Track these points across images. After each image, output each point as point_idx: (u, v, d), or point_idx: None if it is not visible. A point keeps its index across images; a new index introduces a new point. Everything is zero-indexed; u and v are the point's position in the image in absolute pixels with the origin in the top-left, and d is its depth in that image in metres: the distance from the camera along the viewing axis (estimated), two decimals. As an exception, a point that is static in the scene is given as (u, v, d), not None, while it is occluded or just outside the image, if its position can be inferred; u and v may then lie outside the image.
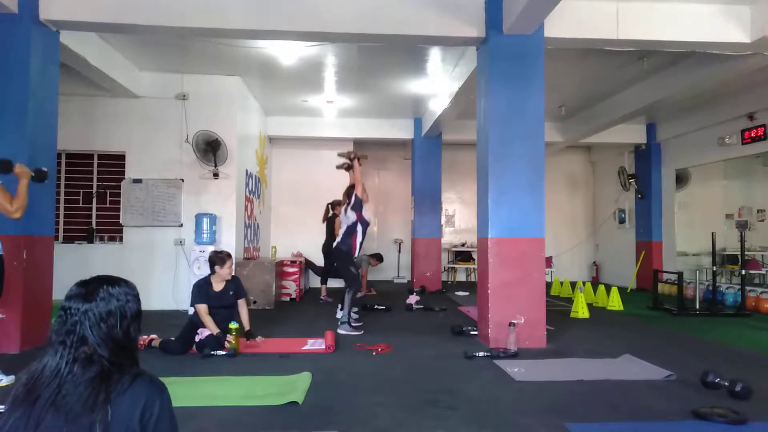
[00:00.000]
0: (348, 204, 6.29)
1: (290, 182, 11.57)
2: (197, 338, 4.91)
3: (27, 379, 1.33)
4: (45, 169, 4.35)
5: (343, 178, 7.26)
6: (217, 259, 5.11)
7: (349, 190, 6.41)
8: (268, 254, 10.31)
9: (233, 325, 4.84)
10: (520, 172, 5.38)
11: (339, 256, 6.33)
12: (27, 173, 4.02)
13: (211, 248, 7.45)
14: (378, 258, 10.46)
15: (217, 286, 5.12)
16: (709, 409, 3.22)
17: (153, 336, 5.10)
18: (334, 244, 6.40)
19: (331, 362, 4.58)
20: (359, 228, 6.22)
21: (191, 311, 5.23)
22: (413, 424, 3.10)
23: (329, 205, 9.09)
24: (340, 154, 6.64)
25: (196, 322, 4.99)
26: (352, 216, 6.22)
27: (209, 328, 4.88)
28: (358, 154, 6.55)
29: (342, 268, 6.32)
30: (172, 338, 4.98)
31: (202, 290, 5.05)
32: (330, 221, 8.97)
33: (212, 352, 4.72)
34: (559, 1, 4.73)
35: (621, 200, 12.30)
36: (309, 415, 3.22)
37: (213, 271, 5.10)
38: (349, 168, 6.56)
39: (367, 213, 6.36)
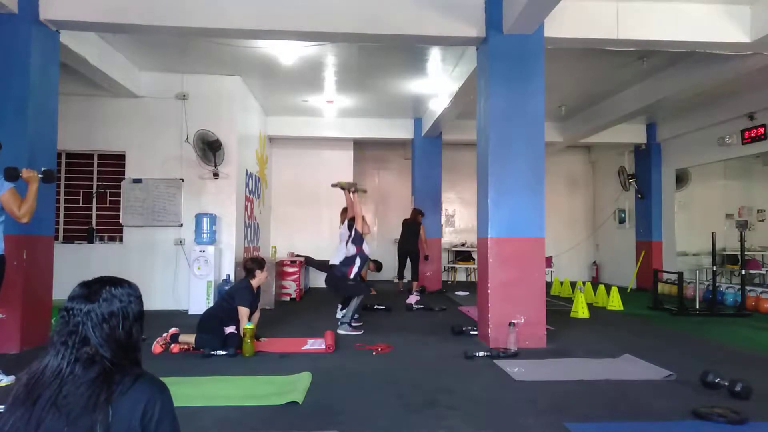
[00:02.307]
0: (349, 237, 6.36)
1: (290, 182, 11.57)
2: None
3: (28, 379, 1.33)
4: (52, 169, 4.32)
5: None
6: (258, 263, 5.31)
7: (350, 222, 6.44)
8: (268, 254, 10.30)
9: (249, 327, 4.88)
10: (520, 171, 5.38)
11: (334, 281, 6.37)
12: (35, 177, 4.01)
13: (211, 248, 7.48)
14: (377, 266, 10.53)
15: (255, 290, 5.33)
16: (709, 409, 3.22)
17: (174, 330, 5.03)
18: (336, 261, 6.40)
19: (331, 362, 4.58)
20: (358, 261, 6.29)
21: (194, 306, 5.21)
22: (413, 424, 3.10)
23: (414, 210, 10.33)
24: (333, 186, 6.70)
25: (222, 318, 5.03)
26: (352, 249, 6.30)
27: (242, 330, 4.96)
28: (358, 187, 6.61)
29: (342, 288, 6.35)
30: (203, 335, 4.95)
31: (249, 293, 5.20)
32: (412, 226, 10.04)
33: (212, 352, 4.73)
34: (559, 1, 4.73)
35: (621, 200, 12.30)
36: (309, 415, 3.22)
37: (253, 276, 5.26)
38: (344, 188, 6.63)
39: (367, 247, 6.44)
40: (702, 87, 7.50)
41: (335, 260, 6.42)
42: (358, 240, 6.30)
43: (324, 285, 11.00)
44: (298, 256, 9.92)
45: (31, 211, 3.93)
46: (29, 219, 3.95)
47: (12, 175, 3.90)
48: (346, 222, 6.61)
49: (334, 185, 6.80)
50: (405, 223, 10.24)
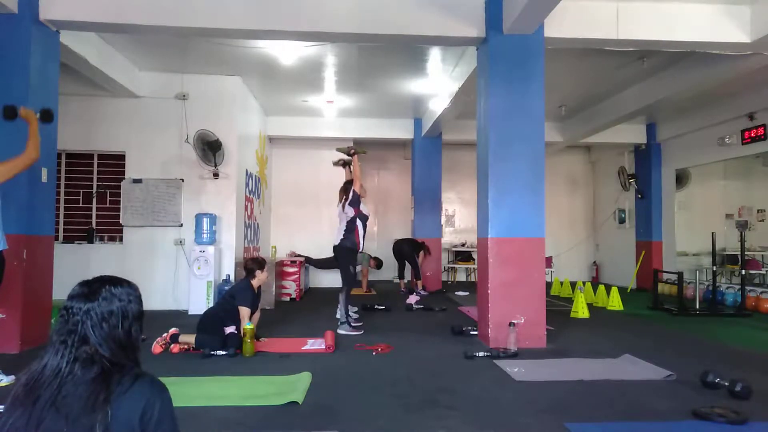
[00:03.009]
0: (345, 200, 6.28)
1: (290, 182, 11.56)
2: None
3: (27, 379, 1.33)
4: (50, 108, 4.37)
5: (343, 179, 7.27)
6: (258, 263, 5.31)
7: (347, 186, 6.40)
8: (268, 254, 10.30)
9: (249, 327, 4.88)
10: (520, 171, 5.38)
11: (342, 253, 6.30)
12: (33, 116, 4.07)
13: (211, 248, 7.47)
14: (377, 263, 10.58)
15: (255, 289, 5.33)
16: (709, 409, 3.22)
17: (174, 330, 5.01)
18: (337, 241, 6.34)
19: (331, 362, 4.58)
20: (359, 223, 6.22)
21: (194, 306, 5.20)
22: (413, 424, 3.10)
23: (424, 242, 10.55)
24: (339, 149, 6.67)
25: (222, 318, 5.04)
26: (350, 212, 6.22)
27: (242, 330, 4.96)
28: (357, 148, 6.56)
29: (343, 265, 6.32)
30: (203, 335, 4.93)
31: (250, 293, 5.20)
32: (413, 243, 10.46)
33: (212, 352, 4.73)
34: (559, 1, 4.73)
35: (621, 200, 12.30)
36: (309, 415, 3.22)
37: (253, 275, 5.26)
38: (345, 165, 6.61)
39: (365, 207, 6.36)
40: (702, 87, 7.50)
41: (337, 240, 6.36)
42: (355, 201, 6.19)
43: (324, 285, 11.12)
44: (298, 256, 9.92)
45: (37, 146, 4.00)
46: (38, 153, 4.05)
47: (10, 114, 3.94)
48: (342, 202, 6.48)
49: (335, 163, 6.81)
50: (410, 238, 10.74)
